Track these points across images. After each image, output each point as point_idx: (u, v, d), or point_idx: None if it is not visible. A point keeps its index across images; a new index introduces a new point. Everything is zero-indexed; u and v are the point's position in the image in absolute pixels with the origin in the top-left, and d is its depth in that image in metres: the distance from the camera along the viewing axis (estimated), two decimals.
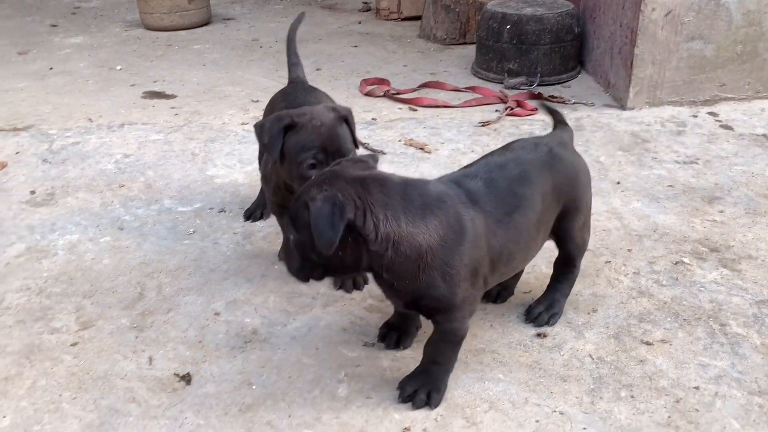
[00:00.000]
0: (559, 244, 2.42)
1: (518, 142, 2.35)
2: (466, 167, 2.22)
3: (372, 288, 2.68)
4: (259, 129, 2.35)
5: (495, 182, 2.07)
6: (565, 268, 2.47)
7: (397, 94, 4.66)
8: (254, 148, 3.60)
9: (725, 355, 2.30)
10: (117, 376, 2.25)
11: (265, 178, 2.69)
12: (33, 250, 2.97)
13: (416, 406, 2.09)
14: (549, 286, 2.50)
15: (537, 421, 2.06)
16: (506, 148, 2.29)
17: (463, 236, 1.91)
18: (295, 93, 2.86)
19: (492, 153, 2.27)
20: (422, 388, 2.11)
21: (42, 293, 2.68)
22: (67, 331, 2.46)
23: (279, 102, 2.84)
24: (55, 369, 2.29)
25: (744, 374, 2.22)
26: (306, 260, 1.87)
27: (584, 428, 2.03)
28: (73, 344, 2.40)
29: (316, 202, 1.75)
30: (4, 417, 2.09)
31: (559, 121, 2.59)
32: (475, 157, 3.73)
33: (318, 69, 5.27)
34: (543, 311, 2.45)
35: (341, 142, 2.30)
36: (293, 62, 3.16)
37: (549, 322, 2.44)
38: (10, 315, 2.55)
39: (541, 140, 2.35)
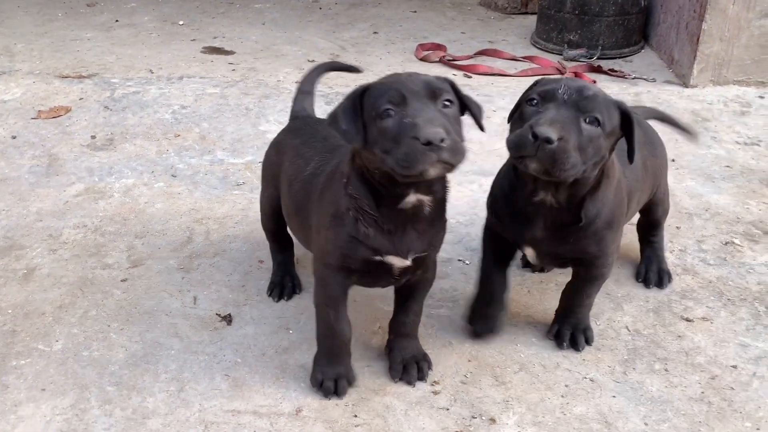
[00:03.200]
0: (648, 208, 2.50)
1: None
2: None
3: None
4: (332, 118, 1.78)
5: None
6: (653, 231, 2.56)
7: (453, 60, 4.62)
8: None
9: None
10: (162, 312, 2.36)
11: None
12: (91, 190, 3.10)
13: (580, 347, 2.19)
14: (642, 251, 2.58)
15: (566, 386, 2.06)
16: None
17: (620, 179, 2.04)
18: (308, 127, 2.34)
19: None
20: (577, 331, 2.20)
21: (97, 231, 2.80)
22: (118, 267, 2.58)
23: (289, 140, 2.33)
24: (105, 301, 2.40)
25: None
26: None
27: (613, 396, 2.02)
28: (123, 280, 2.51)
29: None
30: (57, 341, 2.21)
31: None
32: None
33: (375, 32, 5.26)
34: (653, 272, 2.52)
35: (423, 77, 1.73)
36: (305, 90, 2.51)
37: (661, 283, 2.50)
38: (66, 249, 2.68)
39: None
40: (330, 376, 2.02)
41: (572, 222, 1.97)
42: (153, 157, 3.38)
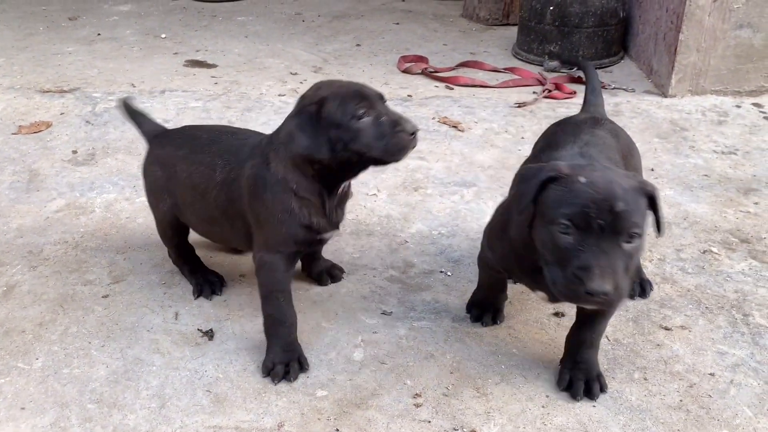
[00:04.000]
0: None
1: (574, 120, 2.42)
2: (549, 146, 2.23)
3: (393, 259, 2.73)
4: (288, 137, 2.06)
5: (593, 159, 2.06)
6: None
7: (435, 72, 4.66)
8: None
9: (745, 345, 2.28)
10: (144, 328, 2.35)
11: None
12: (72, 206, 3.09)
13: (595, 397, 2.06)
14: None
15: (547, 396, 2.08)
16: (572, 129, 2.26)
17: None
18: (183, 137, 2.45)
19: (561, 133, 2.27)
20: (591, 380, 2.08)
21: (78, 247, 2.79)
22: (99, 283, 2.57)
23: (172, 152, 2.41)
24: (86, 318, 2.39)
25: (762, 364, 2.19)
26: None
27: (593, 406, 2.04)
28: (105, 296, 2.50)
29: None
30: (37, 359, 2.20)
31: (591, 93, 2.74)
32: (508, 137, 3.74)
33: (358, 45, 5.29)
34: (635, 283, 2.52)
35: (372, 88, 2.07)
36: (139, 112, 2.71)
37: (645, 293, 2.53)
38: (47, 266, 2.66)
39: (595, 116, 2.47)
40: (281, 361, 2.14)
41: None
42: (135, 172, 3.37)
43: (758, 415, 2.01)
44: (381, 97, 2.11)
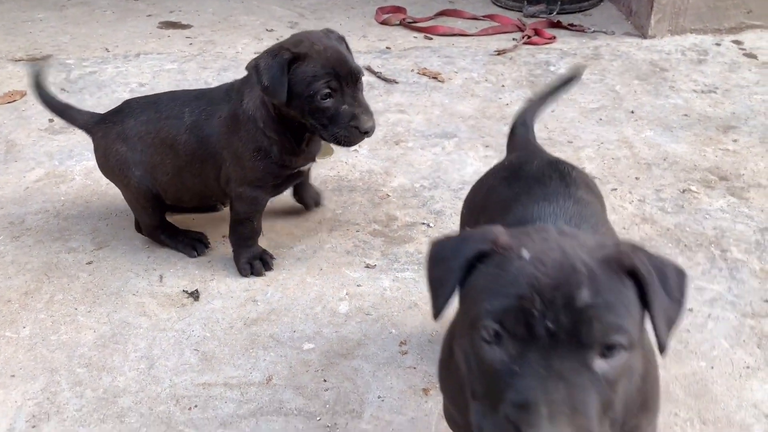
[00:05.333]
0: None
1: (528, 172, 1.64)
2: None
3: (376, 214, 2.74)
4: (254, 69, 2.10)
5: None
6: None
7: (413, 22, 4.59)
8: None
9: (723, 280, 2.32)
10: (129, 292, 2.36)
11: None
12: (51, 175, 3.06)
13: None
14: None
15: None
16: (537, 189, 1.56)
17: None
18: (138, 108, 2.47)
19: (523, 197, 1.55)
20: None
21: (59, 215, 2.78)
22: (83, 250, 2.57)
23: (131, 125, 2.42)
24: (71, 285, 2.40)
25: (739, 298, 2.24)
26: None
27: None
28: (89, 263, 2.51)
29: None
30: (24, 327, 2.22)
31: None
32: (488, 86, 3.72)
33: None
34: None
35: (351, 63, 2.13)
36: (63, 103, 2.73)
37: None
38: (29, 235, 2.66)
39: (553, 160, 1.73)
40: (255, 258, 2.41)
41: None
42: None
43: (734, 347, 2.06)
44: (357, 78, 2.14)
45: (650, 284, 1.05)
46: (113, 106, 3.44)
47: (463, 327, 1.10)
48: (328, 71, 2.08)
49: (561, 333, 0.98)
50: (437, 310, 1.14)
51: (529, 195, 1.52)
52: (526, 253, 1.05)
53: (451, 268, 1.10)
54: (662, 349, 1.09)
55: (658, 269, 1.08)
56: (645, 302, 1.07)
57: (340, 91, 2.10)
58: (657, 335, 1.07)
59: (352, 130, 2.12)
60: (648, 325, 1.10)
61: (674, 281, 1.10)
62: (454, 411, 1.40)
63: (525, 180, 1.59)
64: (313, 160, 2.41)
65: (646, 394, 1.26)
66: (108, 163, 2.47)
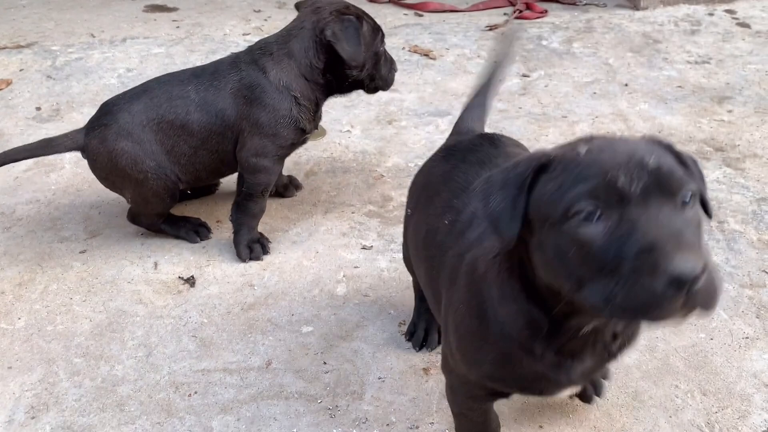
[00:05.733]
0: None
1: (462, 147, 1.77)
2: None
3: (371, 195, 2.72)
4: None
5: None
6: None
7: None
8: None
9: (720, 251, 2.31)
10: (124, 280, 2.34)
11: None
12: (41, 164, 3.02)
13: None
14: None
15: None
16: (473, 163, 1.67)
17: None
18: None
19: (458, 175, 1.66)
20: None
21: (51, 205, 2.75)
22: (76, 239, 2.54)
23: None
24: (65, 275, 2.38)
25: (737, 268, 2.23)
26: None
27: None
28: (82, 251, 2.48)
29: None
30: (20, 319, 2.20)
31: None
32: (481, 62, 3.68)
33: None
34: None
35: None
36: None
37: None
38: (21, 226, 2.63)
39: (482, 133, 1.87)
40: (254, 241, 2.41)
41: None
42: None
43: (733, 318, 2.06)
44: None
45: (690, 164, 1.19)
46: (101, 93, 3.38)
47: (547, 232, 1.12)
48: (376, 25, 2.41)
49: (649, 190, 1.06)
50: (512, 233, 1.16)
51: (465, 162, 1.67)
52: (583, 149, 1.13)
53: (511, 190, 1.16)
54: (710, 214, 1.23)
55: (689, 156, 1.23)
56: None
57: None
58: (706, 207, 1.21)
59: (393, 73, 2.50)
60: None
61: (697, 167, 1.24)
62: (481, 375, 1.41)
63: (460, 152, 1.74)
64: (317, 127, 2.50)
65: None
66: (117, 166, 2.31)
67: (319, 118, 2.48)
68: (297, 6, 2.49)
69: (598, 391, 1.80)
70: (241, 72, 2.33)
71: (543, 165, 1.15)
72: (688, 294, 0.99)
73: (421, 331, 2.02)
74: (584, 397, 1.80)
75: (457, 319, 1.43)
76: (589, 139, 1.17)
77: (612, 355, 1.33)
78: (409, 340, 2.04)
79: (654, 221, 1.04)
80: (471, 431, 1.63)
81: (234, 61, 2.39)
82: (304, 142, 2.49)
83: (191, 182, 2.46)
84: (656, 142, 1.19)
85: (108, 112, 2.37)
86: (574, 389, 1.45)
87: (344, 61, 2.29)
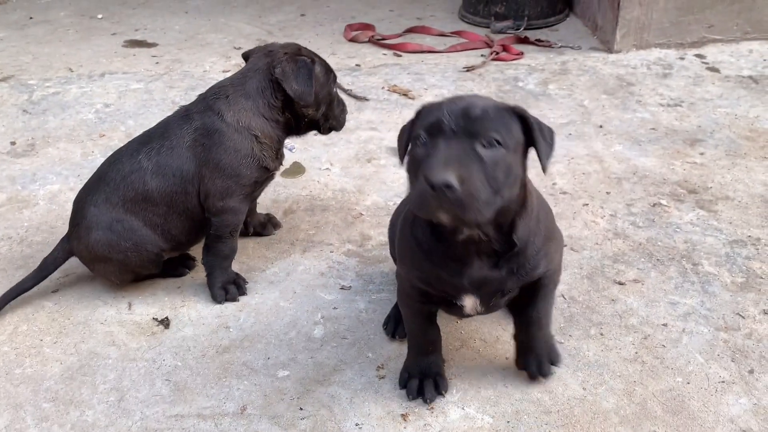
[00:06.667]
0: None
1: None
2: None
3: (350, 233, 2.71)
4: (282, 75, 2.33)
5: None
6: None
7: (382, 39, 4.60)
8: None
9: (695, 294, 2.34)
10: (97, 321, 2.29)
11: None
12: (14, 200, 2.98)
13: (549, 375, 2.01)
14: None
15: (507, 358, 2.11)
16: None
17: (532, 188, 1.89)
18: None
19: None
20: (544, 359, 2.00)
21: (23, 242, 2.70)
22: (48, 278, 2.48)
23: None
24: (36, 315, 2.32)
25: (712, 311, 2.26)
26: None
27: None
28: (54, 291, 2.43)
29: None
30: None
31: None
32: None
33: (302, 15, 5.18)
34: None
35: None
36: None
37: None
38: None
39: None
40: (229, 282, 2.40)
41: (509, 248, 1.74)
42: (78, 160, 3.27)
43: (709, 361, 2.07)
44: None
45: (534, 128, 1.65)
46: (78, 128, 3.37)
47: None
48: (329, 68, 2.47)
49: (459, 131, 1.55)
50: (402, 158, 1.73)
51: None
52: (447, 100, 1.65)
53: (406, 130, 1.74)
54: (544, 169, 1.70)
55: (538, 122, 1.68)
56: (528, 143, 1.67)
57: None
58: (541, 159, 1.68)
59: (344, 113, 2.57)
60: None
61: (548, 132, 1.70)
62: (410, 275, 1.87)
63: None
64: (281, 163, 2.50)
65: (548, 226, 1.86)
66: (98, 256, 2.32)
67: (282, 156, 2.48)
68: (245, 55, 2.49)
69: (542, 370, 2.00)
70: (194, 122, 2.32)
71: (419, 111, 1.68)
72: (441, 197, 1.47)
73: (392, 323, 2.22)
74: (529, 372, 2.01)
75: (398, 234, 1.92)
76: (459, 96, 1.67)
77: (501, 270, 1.76)
78: (386, 327, 2.23)
79: (444, 149, 1.53)
80: (414, 332, 2.01)
81: (185, 114, 2.37)
82: (269, 179, 2.48)
83: (174, 249, 2.42)
84: (505, 108, 1.64)
85: (77, 210, 2.38)
86: (476, 301, 1.84)
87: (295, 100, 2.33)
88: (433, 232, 1.75)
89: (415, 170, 1.60)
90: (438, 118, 1.56)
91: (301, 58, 2.33)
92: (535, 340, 1.99)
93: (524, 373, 2.04)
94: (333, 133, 2.62)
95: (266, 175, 2.42)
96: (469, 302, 1.84)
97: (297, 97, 2.31)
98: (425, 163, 1.53)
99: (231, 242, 2.40)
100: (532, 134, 1.65)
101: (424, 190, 1.50)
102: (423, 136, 1.58)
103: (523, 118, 1.65)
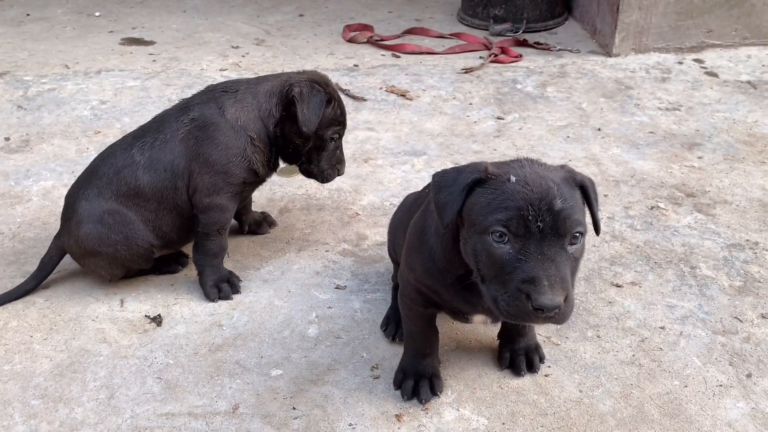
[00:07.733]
0: None
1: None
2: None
3: (346, 233, 2.69)
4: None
5: None
6: None
7: (381, 40, 4.58)
8: None
9: (693, 297, 2.32)
10: (88, 318, 2.27)
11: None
12: (7, 196, 2.95)
13: (536, 369, 2.01)
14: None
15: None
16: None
17: None
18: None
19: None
20: (530, 352, 2.03)
21: (15, 238, 2.67)
22: None
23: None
24: (26, 311, 2.29)
25: (709, 315, 2.24)
26: None
27: (549, 366, 2.05)
28: (45, 287, 2.40)
29: None
30: None
31: None
32: (456, 104, 3.72)
33: (301, 15, 5.16)
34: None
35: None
36: None
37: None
38: None
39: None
40: (222, 280, 2.36)
41: None
42: (72, 157, 3.24)
43: (707, 364, 2.05)
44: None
45: (591, 194, 1.63)
46: (73, 125, 3.34)
47: (472, 232, 1.57)
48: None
49: (547, 229, 1.49)
50: (446, 225, 1.61)
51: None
52: (513, 177, 1.53)
53: (455, 193, 1.58)
54: (598, 230, 1.70)
55: (591, 182, 1.66)
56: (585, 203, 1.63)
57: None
58: (596, 223, 1.69)
59: (335, 170, 2.47)
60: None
61: (594, 191, 1.67)
62: (417, 282, 1.84)
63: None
64: (274, 170, 2.48)
65: None
66: (87, 249, 2.28)
67: (276, 166, 2.46)
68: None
69: (531, 367, 2.02)
70: (192, 113, 2.31)
71: (481, 179, 1.56)
72: (547, 315, 1.46)
73: (393, 325, 2.17)
74: (515, 369, 2.02)
75: (408, 240, 1.88)
76: (520, 166, 1.57)
77: None
78: (385, 329, 2.18)
79: (540, 260, 1.48)
80: (414, 334, 1.97)
81: (184, 105, 2.37)
82: (258, 183, 2.47)
83: (165, 246, 2.40)
84: (569, 179, 1.58)
85: (68, 205, 2.36)
86: (486, 319, 1.85)
87: (297, 122, 2.29)
88: (452, 261, 1.72)
89: (497, 268, 1.51)
90: (521, 214, 1.48)
91: (318, 88, 2.31)
92: (520, 337, 2.04)
93: (522, 375, 2.02)
94: None
95: (255, 178, 2.40)
96: (479, 319, 1.88)
97: (301, 122, 2.27)
98: (518, 273, 1.47)
99: (219, 240, 2.37)
100: (589, 204, 1.64)
101: (523, 309, 1.47)
102: (503, 233, 1.50)
103: (583, 188, 1.62)
